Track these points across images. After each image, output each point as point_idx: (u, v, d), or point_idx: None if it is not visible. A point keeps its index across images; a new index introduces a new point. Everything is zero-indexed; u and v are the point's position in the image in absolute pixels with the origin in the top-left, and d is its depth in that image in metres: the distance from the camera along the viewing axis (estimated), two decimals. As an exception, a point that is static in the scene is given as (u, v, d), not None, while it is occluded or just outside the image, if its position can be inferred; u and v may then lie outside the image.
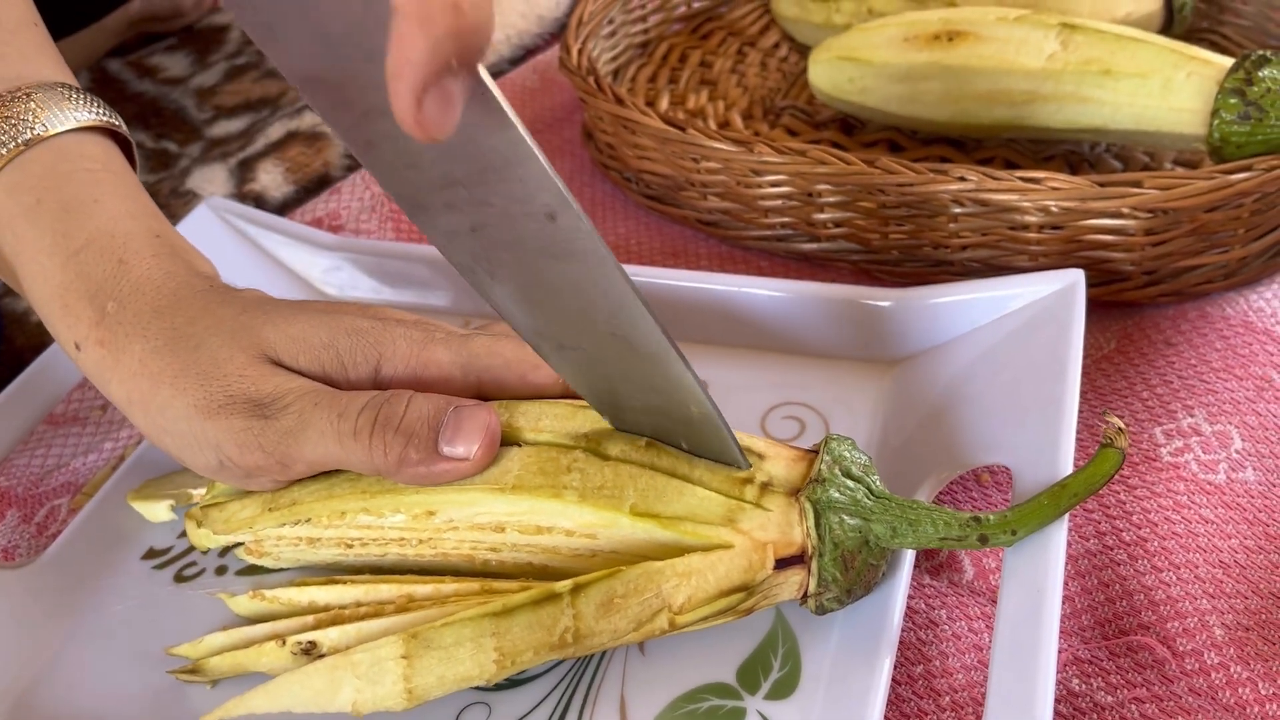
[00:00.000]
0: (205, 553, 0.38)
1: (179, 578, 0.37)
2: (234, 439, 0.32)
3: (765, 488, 0.31)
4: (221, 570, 0.37)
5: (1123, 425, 0.30)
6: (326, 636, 0.32)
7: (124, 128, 0.38)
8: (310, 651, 0.32)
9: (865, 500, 0.31)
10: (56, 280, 0.35)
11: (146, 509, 0.38)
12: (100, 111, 0.37)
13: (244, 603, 0.35)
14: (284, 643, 0.32)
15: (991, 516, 0.30)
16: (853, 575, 0.30)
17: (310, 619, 0.33)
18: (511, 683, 0.33)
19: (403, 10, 0.21)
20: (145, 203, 0.37)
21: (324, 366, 0.33)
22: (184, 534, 0.38)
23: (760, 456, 0.32)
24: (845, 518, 0.30)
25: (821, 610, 0.31)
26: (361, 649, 0.30)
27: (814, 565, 0.30)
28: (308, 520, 0.34)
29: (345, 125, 0.25)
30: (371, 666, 0.30)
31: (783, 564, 0.30)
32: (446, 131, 0.22)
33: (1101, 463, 0.30)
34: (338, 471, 0.34)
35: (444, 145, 0.25)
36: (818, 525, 0.30)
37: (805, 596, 0.31)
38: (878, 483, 0.31)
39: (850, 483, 0.31)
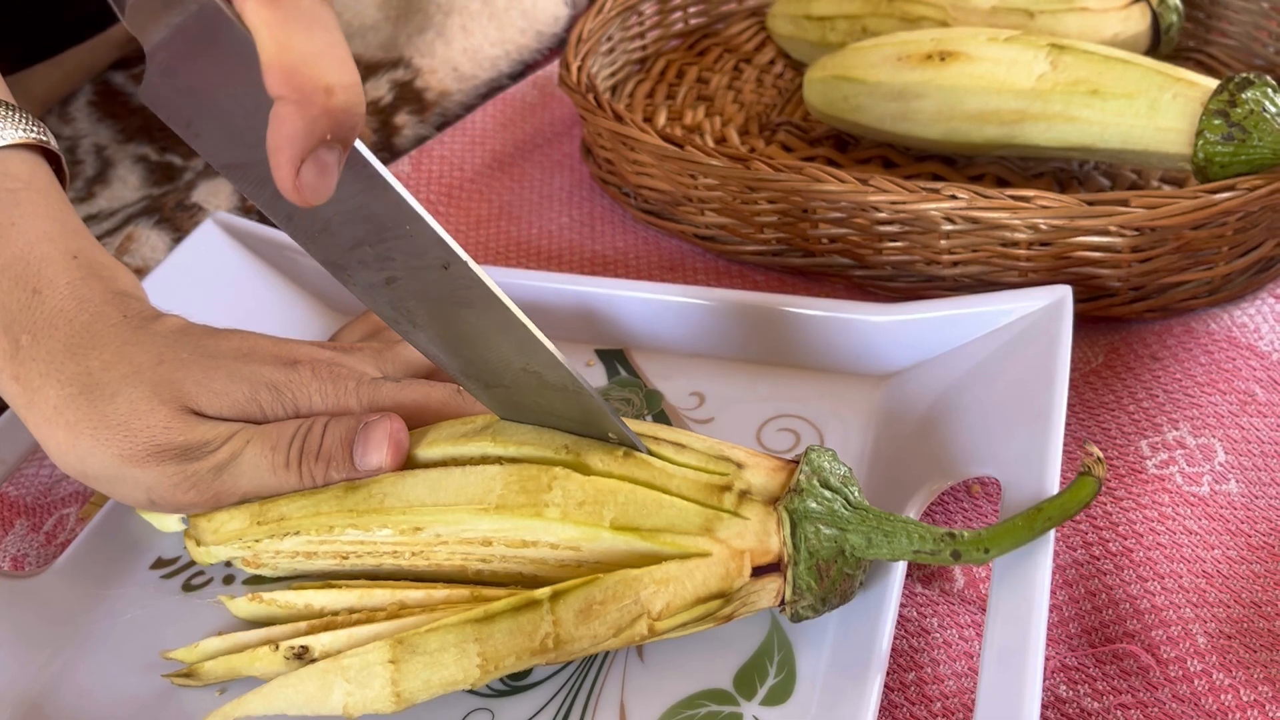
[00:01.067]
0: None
1: (187, 586, 0.38)
2: (166, 482, 0.34)
3: (744, 496, 0.32)
4: (229, 580, 0.38)
5: (1101, 455, 0.31)
6: (318, 641, 0.33)
7: (53, 143, 0.38)
8: (302, 656, 0.33)
9: (842, 511, 0.31)
10: None
11: (157, 520, 0.39)
12: (29, 128, 0.37)
13: (243, 605, 0.35)
14: (277, 647, 0.33)
15: (966, 534, 0.31)
16: (828, 584, 0.31)
17: (303, 624, 0.34)
18: (513, 689, 0.33)
19: (281, 96, 0.25)
20: (67, 220, 0.37)
21: (246, 415, 0.35)
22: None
23: (740, 466, 0.33)
24: (821, 527, 0.31)
25: (797, 618, 0.32)
26: (350, 654, 0.31)
27: (789, 574, 0.31)
28: (296, 533, 0.35)
29: (264, 201, 0.29)
30: (360, 671, 0.31)
31: (759, 572, 0.31)
32: (323, 197, 0.26)
33: (1078, 490, 0.31)
34: (325, 489, 0.35)
35: (344, 211, 0.29)
36: (793, 534, 0.31)
37: (783, 603, 0.32)
38: (856, 493, 0.32)
39: (828, 493, 0.31)
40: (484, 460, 0.34)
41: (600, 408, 0.32)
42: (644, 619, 0.31)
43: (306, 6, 0.25)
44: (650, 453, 0.33)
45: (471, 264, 0.30)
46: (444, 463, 0.35)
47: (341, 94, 0.25)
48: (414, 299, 0.31)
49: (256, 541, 0.35)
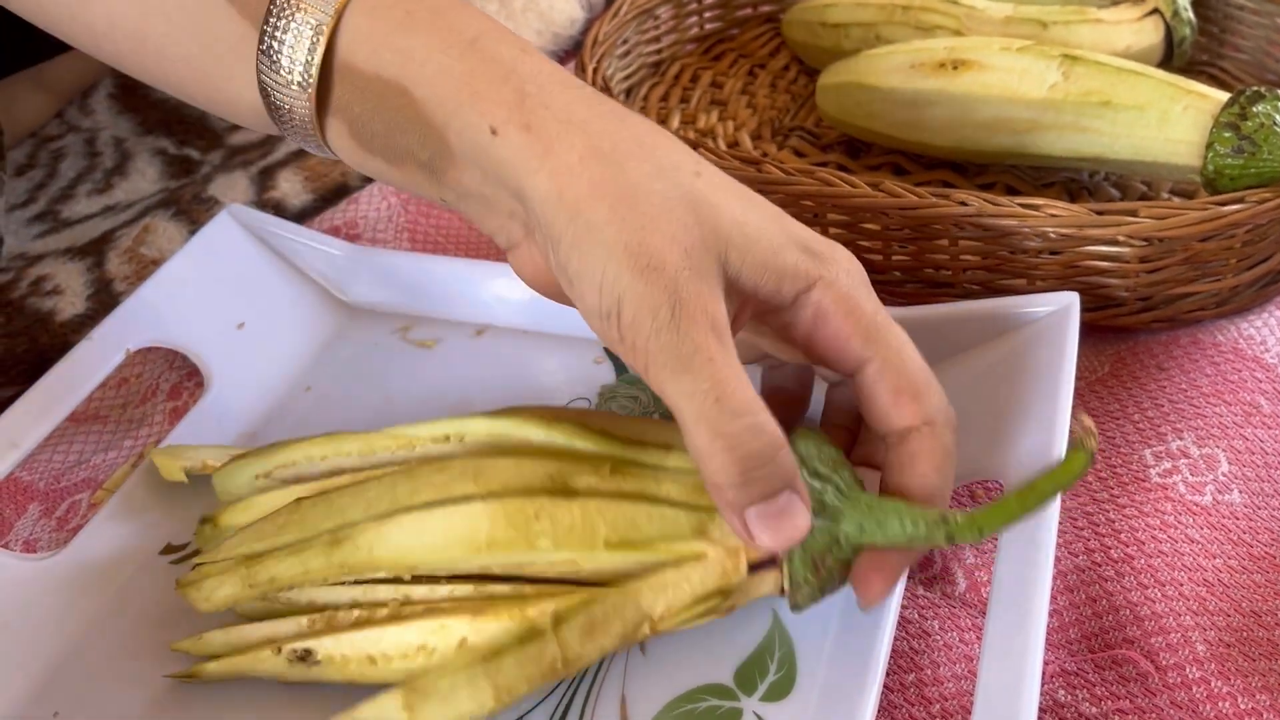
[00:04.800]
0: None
1: (196, 572, 0.39)
2: (635, 311, 0.29)
3: None
4: (237, 566, 0.39)
5: (1092, 426, 0.29)
6: (321, 645, 0.33)
7: None
8: (305, 659, 0.33)
9: (833, 500, 0.31)
10: (459, 69, 0.31)
11: (165, 468, 0.40)
12: None
13: None
14: (279, 650, 0.33)
15: (959, 515, 0.30)
16: (824, 574, 0.31)
17: (304, 621, 0.34)
18: (516, 681, 0.34)
19: None
20: None
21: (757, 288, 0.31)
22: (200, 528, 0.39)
23: None
24: (813, 520, 0.31)
25: (797, 608, 0.32)
26: (366, 706, 0.31)
27: (785, 569, 0.31)
28: (290, 587, 0.34)
29: None
30: (378, 718, 0.31)
31: (756, 567, 0.31)
32: None
33: (1069, 464, 0.29)
34: (310, 544, 0.34)
35: None
36: None
37: (783, 592, 0.32)
38: (847, 477, 0.32)
39: (817, 483, 0.31)
40: (465, 498, 0.33)
41: None
42: (646, 622, 0.31)
43: None
44: None
45: None
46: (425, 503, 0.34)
47: None
48: None
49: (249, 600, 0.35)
